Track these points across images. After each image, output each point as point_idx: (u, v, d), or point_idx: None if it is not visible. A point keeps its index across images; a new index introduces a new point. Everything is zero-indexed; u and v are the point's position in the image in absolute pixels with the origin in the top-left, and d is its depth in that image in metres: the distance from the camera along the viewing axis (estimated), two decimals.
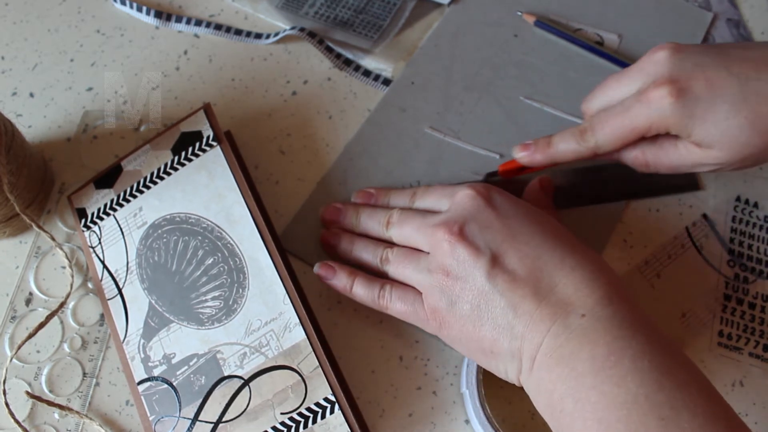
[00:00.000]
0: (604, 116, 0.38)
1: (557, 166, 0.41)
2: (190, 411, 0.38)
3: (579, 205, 0.44)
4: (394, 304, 0.37)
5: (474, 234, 0.34)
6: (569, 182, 0.45)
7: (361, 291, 0.38)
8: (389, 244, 0.39)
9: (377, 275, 0.39)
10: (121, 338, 0.40)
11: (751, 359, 0.40)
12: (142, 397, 0.39)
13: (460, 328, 0.34)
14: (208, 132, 0.43)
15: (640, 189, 0.45)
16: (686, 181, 0.45)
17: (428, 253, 0.36)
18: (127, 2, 0.53)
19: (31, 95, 0.50)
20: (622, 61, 0.49)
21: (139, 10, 0.53)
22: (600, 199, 0.45)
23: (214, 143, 0.42)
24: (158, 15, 0.53)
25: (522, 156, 0.41)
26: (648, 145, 0.39)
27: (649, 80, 0.36)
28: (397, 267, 0.38)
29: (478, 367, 0.37)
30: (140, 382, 0.39)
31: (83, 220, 0.44)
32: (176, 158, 0.43)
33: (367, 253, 0.40)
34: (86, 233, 0.43)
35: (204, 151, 0.42)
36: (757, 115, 0.35)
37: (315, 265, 0.40)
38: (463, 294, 0.34)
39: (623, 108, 0.37)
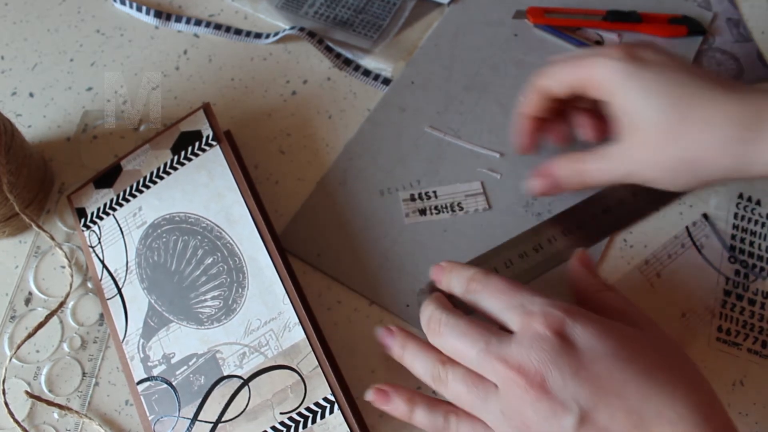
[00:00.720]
0: (562, 60, 0.40)
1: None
2: (189, 411, 0.38)
3: (593, 242, 0.43)
4: None
5: (558, 387, 0.29)
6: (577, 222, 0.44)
7: (422, 420, 0.33)
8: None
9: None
10: (121, 338, 0.40)
11: (750, 355, 0.40)
12: (141, 397, 0.39)
13: None
14: (207, 132, 0.43)
15: (646, 206, 0.45)
16: None
17: (495, 385, 0.31)
18: (127, 2, 0.53)
19: (31, 95, 0.50)
20: None
21: (139, 9, 0.53)
22: (612, 229, 0.44)
23: (214, 143, 0.42)
24: (158, 15, 0.53)
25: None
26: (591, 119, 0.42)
27: (619, 45, 0.38)
28: (456, 394, 0.32)
29: None
30: (140, 382, 0.39)
31: (83, 220, 0.44)
32: (176, 158, 0.43)
33: (419, 364, 0.34)
34: (86, 233, 0.43)
35: (203, 150, 0.42)
36: (684, 118, 0.35)
37: (367, 391, 0.35)
38: None
39: (579, 54, 0.39)
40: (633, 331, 0.31)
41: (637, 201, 0.44)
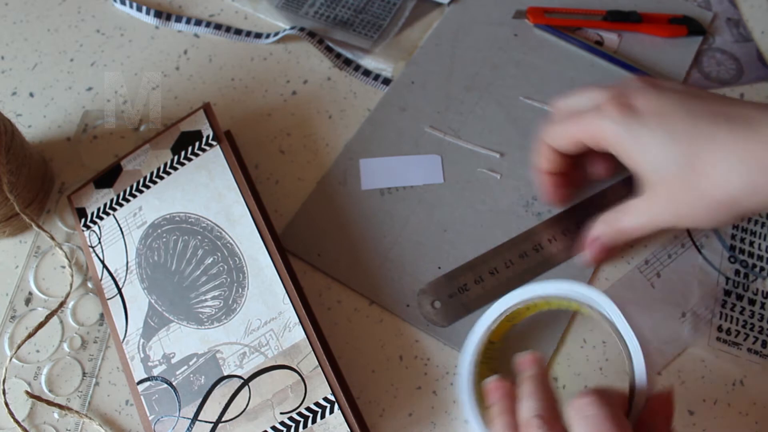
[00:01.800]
0: (562, 115, 0.39)
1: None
2: (189, 411, 0.38)
3: None
4: None
5: None
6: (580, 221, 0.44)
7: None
8: None
9: None
10: (121, 338, 0.40)
11: (750, 355, 0.40)
12: (141, 397, 0.39)
13: None
14: (207, 131, 0.43)
15: None
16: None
17: None
18: (127, 2, 0.53)
19: (31, 95, 0.50)
20: (621, 61, 0.49)
21: (139, 9, 0.53)
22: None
23: (214, 143, 0.42)
24: (158, 15, 0.53)
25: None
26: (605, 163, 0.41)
27: (611, 95, 0.37)
28: None
29: (473, 369, 0.37)
30: (140, 382, 0.39)
31: (83, 220, 0.44)
32: (176, 158, 0.43)
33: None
34: (86, 233, 0.43)
35: (204, 150, 0.42)
36: (696, 166, 0.34)
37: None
38: None
39: (579, 112, 0.38)
40: None
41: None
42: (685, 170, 0.34)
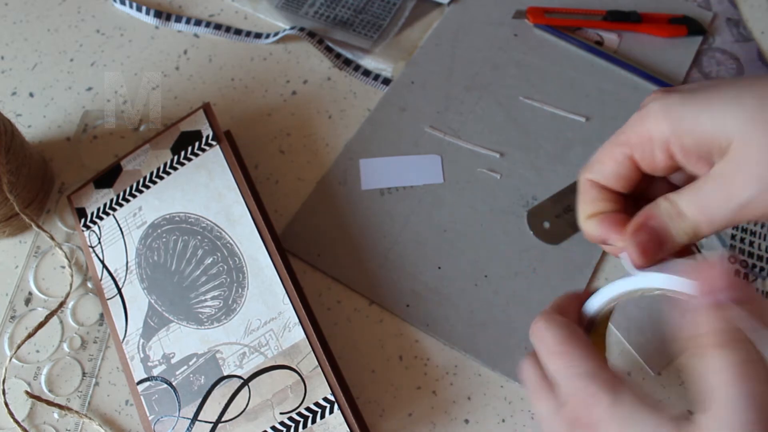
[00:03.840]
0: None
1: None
2: (189, 411, 0.38)
3: None
4: None
5: None
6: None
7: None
8: None
9: None
10: (121, 338, 0.40)
11: None
12: (141, 397, 0.39)
13: None
14: (207, 131, 0.43)
15: None
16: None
17: None
18: (127, 2, 0.53)
19: (31, 95, 0.50)
20: (621, 61, 0.49)
21: (139, 10, 0.53)
22: None
23: (214, 143, 0.42)
24: (158, 15, 0.53)
25: None
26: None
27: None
28: None
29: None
30: (140, 382, 0.39)
31: (83, 220, 0.44)
32: (176, 158, 0.43)
33: None
34: (86, 233, 0.43)
35: (203, 150, 0.42)
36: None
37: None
38: None
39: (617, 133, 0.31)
40: None
41: None
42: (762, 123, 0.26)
